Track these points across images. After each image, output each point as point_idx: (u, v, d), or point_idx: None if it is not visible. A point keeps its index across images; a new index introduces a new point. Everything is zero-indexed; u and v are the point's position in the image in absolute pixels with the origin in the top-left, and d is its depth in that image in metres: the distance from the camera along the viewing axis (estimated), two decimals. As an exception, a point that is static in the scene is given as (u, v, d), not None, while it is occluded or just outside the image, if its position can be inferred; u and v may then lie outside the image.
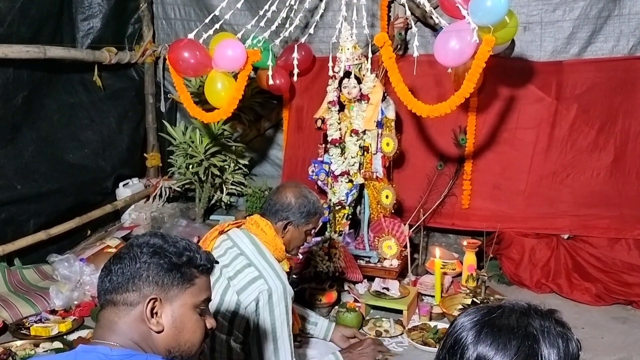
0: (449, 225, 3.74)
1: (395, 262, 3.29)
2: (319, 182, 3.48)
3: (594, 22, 3.41)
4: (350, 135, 3.40)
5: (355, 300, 3.12)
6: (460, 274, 3.35)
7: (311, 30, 3.38)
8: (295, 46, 3.22)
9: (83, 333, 2.92)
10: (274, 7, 3.25)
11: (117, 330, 1.23)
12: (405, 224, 3.42)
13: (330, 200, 3.41)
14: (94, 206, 4.02)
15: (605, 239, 3.31)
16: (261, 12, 3.27)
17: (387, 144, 3.39)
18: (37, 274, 3.47)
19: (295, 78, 3.25)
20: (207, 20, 3.29)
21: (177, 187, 4.39)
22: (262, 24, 3.24)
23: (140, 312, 1.23)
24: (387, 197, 3.38)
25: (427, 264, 3.52)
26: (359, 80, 3.33)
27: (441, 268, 3.20)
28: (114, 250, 3.56)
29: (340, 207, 3.41)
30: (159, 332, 1.24)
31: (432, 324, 2.92)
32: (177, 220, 4.18)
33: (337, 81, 3.38)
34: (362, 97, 3.35)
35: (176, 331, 1.26)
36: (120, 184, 4.28)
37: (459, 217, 3.68)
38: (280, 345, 2.05)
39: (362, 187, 3.41)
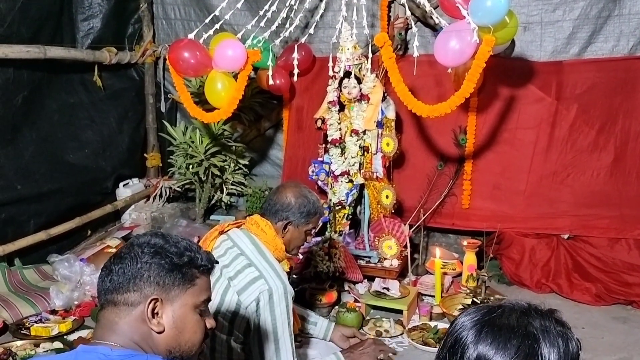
0: (449, 225, 3.74)
1: (396, 262, 3.29)
2: (319, 182, 3.48)
3: (594, 22, 3.41)
4: (351, 135, 3.40)
5: (356, 300, 3.12)
6: (460, 274, 3.35)
7: (311, 31, 3.38)
8: (296, 46, 3.22)
9: (83, 333, 2.92)
10: (274, 7, 3.25)
11: (118, 331, 1.22)
12: (405, 224, 3.42)
13: (330, 200, 3.41)
14: (94, 206, 4.02)
15: (605, 239, 3.31)
16: (261, 12, 3.27)
17: (387, 144, 3.39)
18: (37, 274, 3.47)
19: (295, 78, 3.25)
20: (207, 21, 3.29)
21: (177, 187, 4.39)
22: (262, 24, 3.24)
23: (141, 313, 1.23)
24: (387, 197, 3.38)
25: (427, 264, 3.52)
26: (359, 81, 3.33)
27: (441, 268, 3.20)
28: (114, 250, 3.56)
29: (340, 207, 3.41)
30: (159, 333, 1.24)
31: (433, 324, 2.92)
32: (177, 221, 4.18)
33: (337, 81, 3.38)
34: (362, 97, 3.35)
35: (177, 331, 1.26)
36: (121, 184, 4.28)
37: (459, 217, 3.68)
38: (281, 345, 2.05)
39: (362, 187, 3.42)
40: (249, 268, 2.08)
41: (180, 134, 4.15)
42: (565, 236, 3.41)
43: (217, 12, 3.32)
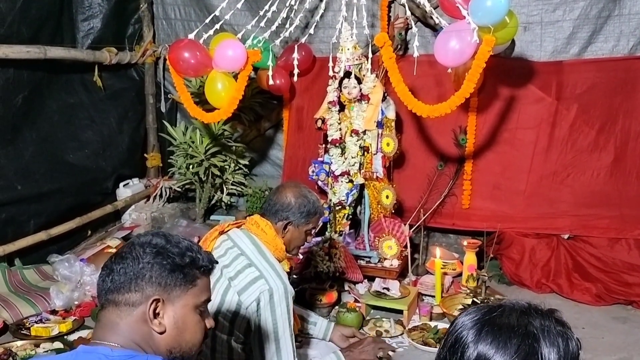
0: (449, 225, 3.74)
1: (396, 262, 3.29)
2: (319, 182, 3.48)
3: (594, 22, 3.41)
4: (351, 136, 3.40)
5: (356, 301, 3.12)
6: (460, 274, 3.35)
7: (311, 31, 3.38)
8: (296, 46, 3.22)
9: (83, 333, 2.92)
10: (274, 8, 3.25)
11: (118, 331, 1.22)
12: (405, 224, 3.42)
13: (330, 200, 3.42)
14: (94, 206, 4.02)
15: (605, 239, 3.31)
16: (261, 13, 3.27)
17: (388, 144, 3.39)
18: (37, 274, 3.47)
19: (295, 78, 3.25)
20: (207, 21, 3.29)
21: (178, 187, 4.39)
22: (262, 24, 3.24)
23: (142, 313, 1.23)
24: (387, 197, 3.38)
25: (427, 264, 3.52)
26: (359, 81, 3.33)
27: (441, 268, 3.20)
28: (114, 250, 3.56)
29: (340, 207, 3.41)
30: (161, 333, 1.24)
31: (433, 324, 2.92)
32: (177, 221, 4.18)
33: (337, 81, 3.38)
34: (363, 97, 3.35)
35: (178, 332, 1.26)
36: (121, 184, 4.28)
37: (459, 217, 3.68)
38: (282, 345, 2.05)
39: (362, 187, 3.42)
40: (249, 268, 2.08)
41: (180, 134, 4.15)
42: (566, 236, 3.41)
43: (217, 12, 3.32)
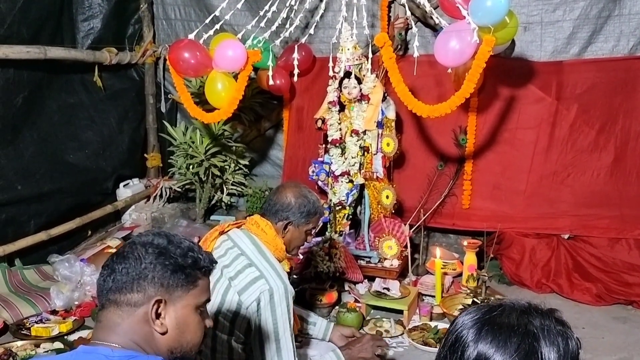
0: (449, 226, 3.75)
1: (396, 262, 3.29)
2: (320, 183, 3.48)
3: (594, 22, 3.41)
4: (351, 136, 3.40)
5: (356, 301, 3.12)
6: (460, 274, 3.35)
7: (311, 31, 3.38)
8: (296, 46, 3.22)
9: (84, 333, 2.92)
10: (274, 8, 3.25)
11: (119, 331, 1.22)
12: (405, 224, 3.42)
13: (330, 200, 3.42)
14: (94, 206, 4.03)
15: (605, 239, 3.31)
16: (261, 13, 3.27)
17: (388, 144, 3.39)
18: (37, 274, 3.47)
19: (295, 78, 3.25)
20: (207, 21, 3.29)
21: (178, 187, 4.39)
22: (262, 24, 3.24)
23: (144, 313, 1.22)
24: (387, 197, 3.38)
25: (427, 264, 3.52)
26: (359, 81, 3.33)
27: (442, 268, 3.20)
28: (114, 250, 3.55)
29: (340, 207, 3.41)
30: (162, 334, 1.24)
31: (433, 324, 2.92)
32: (177, 221, 4.19)
33: (337, 81, 3.38)
34: (363, 98, 3.35)
35: (179, 332, 1.26)
36: (121, 185, 4.28)
37: (459, 217, 3.68)
38: (282, 345, 2.05)
39: (362, 187, 3.42)
40: (249, 268, 2.08)
41: (180, 134, 4.15)
42: (566, 236, 3.42)
43: (217, 13, 3.32)
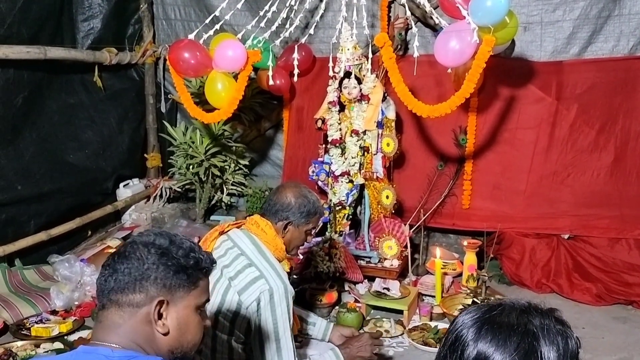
0: (449, 226, 3.75)
1: (396, 262, 3.29)
2: (320, 183, 3.48)
3: (594, 22, 3.41)
4: (351, 136, 3.40)
5: (356, 301, 3.12)
6: (460, 274, 3.35)
7: (311, 31, 3.38)
8: (296, 46, 3.22)
9: (84, 333, 2.92)
10: (274, 8, 3.25)
11: (120, 332, 1.21)
12: (405, 224, 3.42)
13: (330, 200, 3.42)
14: (94, 207, 4.03)
15: (605, 239, 3.31)
16: (261, 13, 3.27)
17: (388, 144, 3.39)
18: (37, 274, 3.47)
19: (295, 78, 3.25)
20: (207, 21, 3.29)
21: (178, 187, 4.39)
22: (262, 24, 3.24)
23: (145, 314, 1.22)
24: (387, 197, 3.38)
25: (427, 264, 3.52)
26: (359, 81, 3.33)
27: (442, 268, 3.20)
28: (114, 250, 3.56)
29: (340, 207, 3.41)
30: (164, 334, 1.24)
31: (433, 324, 2.92)
32: (177, 221, 4.19)
33: (337, 81, 3.38)
34: (363, 98, 3.35)
35: (180, 333, 1.26)
36: (121, 185, 4.28)
37: (459, 217, 3.68)
38: (282, 344, 2.05)
39: (362, 187, 3.42)
40: (249, 268, 2.08)
41: (180, 135, 4.15)
42: (566, 236, 3.42)
43: (217, 13, 3.32)
